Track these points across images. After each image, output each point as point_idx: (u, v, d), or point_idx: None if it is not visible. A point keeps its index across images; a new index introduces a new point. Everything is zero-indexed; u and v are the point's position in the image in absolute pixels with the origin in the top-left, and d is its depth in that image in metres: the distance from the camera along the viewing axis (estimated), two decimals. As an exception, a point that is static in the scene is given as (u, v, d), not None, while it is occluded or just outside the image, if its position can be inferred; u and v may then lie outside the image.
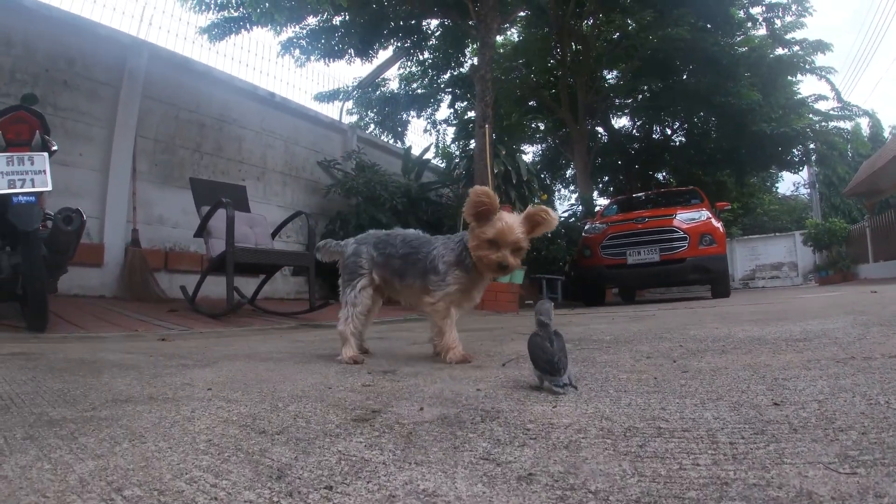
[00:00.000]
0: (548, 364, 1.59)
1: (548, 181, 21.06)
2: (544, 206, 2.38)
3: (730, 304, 6.53)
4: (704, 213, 9.37)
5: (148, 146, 7.39)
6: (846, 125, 18.23)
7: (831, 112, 17.58)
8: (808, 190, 30.94)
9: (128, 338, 3.88)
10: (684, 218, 9.20)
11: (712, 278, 9.45)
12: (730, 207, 11.35)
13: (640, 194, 14.64)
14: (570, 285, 12.33)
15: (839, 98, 17.58)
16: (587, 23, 16.48)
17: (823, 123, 17.50)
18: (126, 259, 6.83)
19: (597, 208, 13.97)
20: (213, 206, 5.62)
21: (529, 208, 2.42)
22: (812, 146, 17.71)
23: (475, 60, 17.82)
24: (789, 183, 37.53)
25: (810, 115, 17.26)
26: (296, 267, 8.57)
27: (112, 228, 6.82)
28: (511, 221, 2.35)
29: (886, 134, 27.24)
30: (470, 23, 10.29)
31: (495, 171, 9.41)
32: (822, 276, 19.72)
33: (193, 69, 8.14)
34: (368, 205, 9.06)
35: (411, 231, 2.80)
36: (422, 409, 1.45)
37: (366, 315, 2.73)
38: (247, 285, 6.93)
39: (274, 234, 6.57)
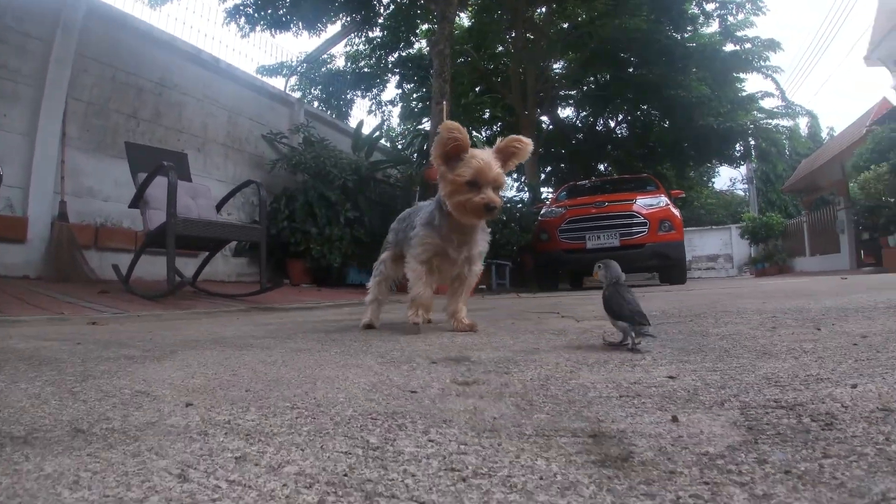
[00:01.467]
0: (636, 313, 1.57)
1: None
2: (515, 136, 2.25)
3: (709, 288, 6.34)
4: (663, 200, 9.27)
5: (80, 109, 6.64)
6: (788, 123, 18.76)
7: (775, 110, 17.99)
8: (745, 185, 31.94)
9: (50, 322, 3.19)
10: (644, 203, 9.06)
11: (670, 265, 9.35)
12: (683, 196, 11.28)
13: (595, 180, 14.56)
14: (518, 271, 12.19)
15: (783, 97, 18.00)
16: (541, 11, 16.25)
17: (767, 121, 17.92)
18: (52, 235, 6.07)
19: (543, 196, 13.85)
20: (151, 172, 4.95)
21: (500, 141, 2.25)
22: (753, 142, 18.05)
23: (424, 43, 17.69)
24: (725, 178, 38.69)
25: (755, 112, 17.61)
26: (238, 246, 8.01)
27: (37, 200, 6.03)
28: (487, 157, 2.18)
29: (824, 134, 28.27)
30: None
31: (451, 150, 9.04)
32: (758, 268, 20.33)
33: (134, 27, 7.39)
34: (317, 181, 8.52)
35: (426, 202, 2.65)
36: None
37: (386, 283, 2.79)
38: (185, 266, 6.34)
39: (219, 207, 5.97)
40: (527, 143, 2.23)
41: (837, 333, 1.73)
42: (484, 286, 11.14)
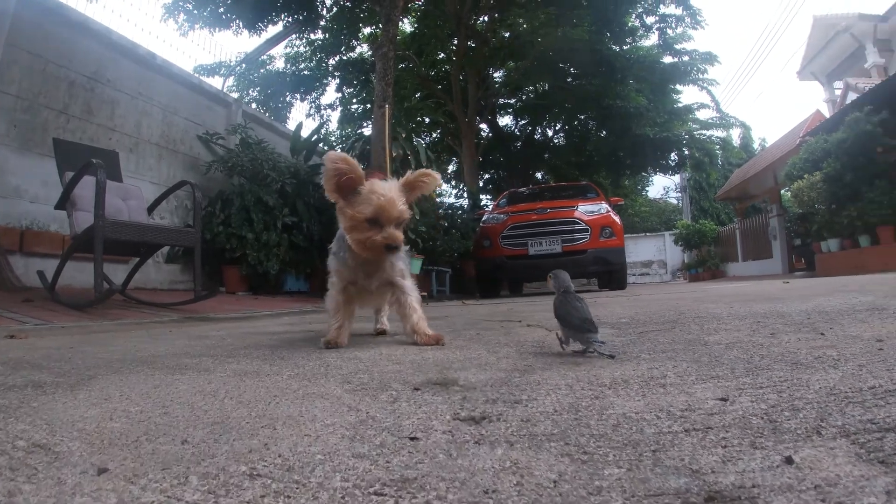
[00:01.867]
0: (584, 321, 1.60)
1: (435, 173, 20.88)
2: (424, 170, 2.17)
3: (658, 294, 6.30)
4: (604, 207, 9.37)
5: (7, 103, 6.19)
6: (722, 134, 19.46)
7: (710, 121, 18.61)
8: (679, 194, 32.95)
9: (-43, 334, 2.92)
10: (585, 210, 9.14)
11: (612, 270, 9.47)
12: (622, 203, 11.47)
13: (535, 187, 14.66)
14: (457, 277, 12.17)
15: (718, 109, 18.64)
16: (483, 19, 16.34)
17: (702, 131, 18.54)
18: (-26, 239, 5.66)
19: (482, 203, 13.87)
20: (79, 171, 4.59)
21: (409, 174, 2.14)
22: (687, 152, 18.61)
23: (366, 47, 17.55)
24: (659, 187, 39.86)
25: (690, 123, 18.19)
26: (171, 252, 7.68)
27: (-41, 200, 5.64)
28: (389, 192, 2.04)
29: (756, 145, 29.44)
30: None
31: (394, 155, 8.93)
32: (691, 273, 20.89)
33: (68, 17, 6.94)
34: (254, 185, 8.24)
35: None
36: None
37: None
38: (115, 272, 6.00)
39: (151, 210, 5.65)
40: (435, 178, 2.15)
41: (848, 338, 1.66)
42: (425, 293, 11.07)
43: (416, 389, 1.27)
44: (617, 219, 9.43)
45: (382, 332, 2.65)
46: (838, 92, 17.38)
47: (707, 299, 3.85)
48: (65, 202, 4.75)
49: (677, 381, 1.23)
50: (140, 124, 7.86)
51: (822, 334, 1.77)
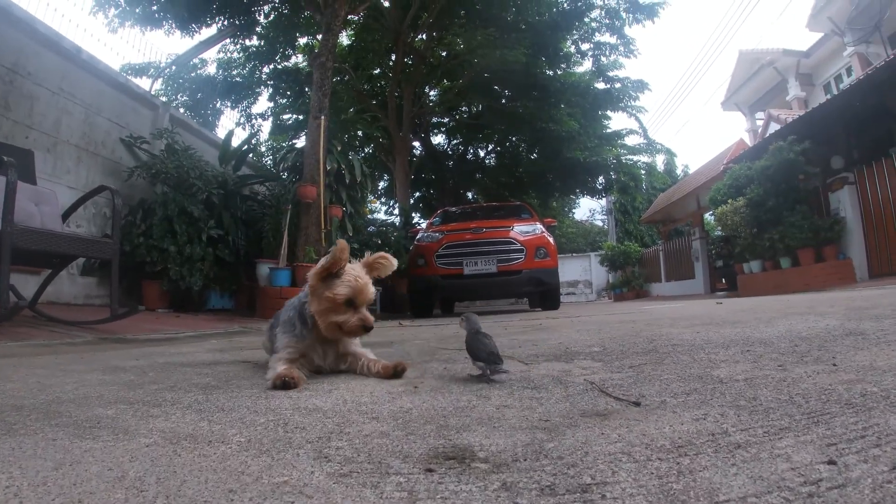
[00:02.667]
0: (491, 355, 1.83)
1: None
2: (382, 253, 2.25)
3: (597, 314, 6.20)
4: (538, 227, 9.38)
5: None
6: (648, 160, 20.10)
7: (638, 146, 19.23)
8: (604, 216, 33.85)
9: None
10: (520, 230, 9.12)
11: (546, 290, 9.46)
12: (555, 225, 11.55)
13: (469, 206, 14.64)
14: (389, 296, 11.99)
15: (645, 135, 19.27)
16: (421, 37, 16.33)
17: (629, 156, 19.12)
18: None
19: (414, 221, 13.74)
20: None
21: (368, 256, 2.23)
22: (615, 176, 19.12)
23: (301, 57, 17.25)
24: (585, 209, 40.90)
25: (618, 148, 18.68)
26: (86, 264, 7.17)
27: None
28: (364, 276, 2.14)
29: (678, 171, 30.55)
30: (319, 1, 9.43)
31: (328, 168, 8.69)
32: (616, 292, 21.46)
33: None
34: (178, 194, 7.79)
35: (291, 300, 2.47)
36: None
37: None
38: (25, 284, 5.54)
39: (66, 217, 5.19)
40: (391, 262, 2.22)
41: (866, 369, 1.55)
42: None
43: (429, 471, 0.92)
44: (551, 240, 9.48)
45: None
46: (760, 122, 18.37)
47: (661, 323, 3.74)
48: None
49: (748, 437, 1.04)
50: (60, 123, 7.34)
51: (834, 365, 1.67)
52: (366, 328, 2.08)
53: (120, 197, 5.03)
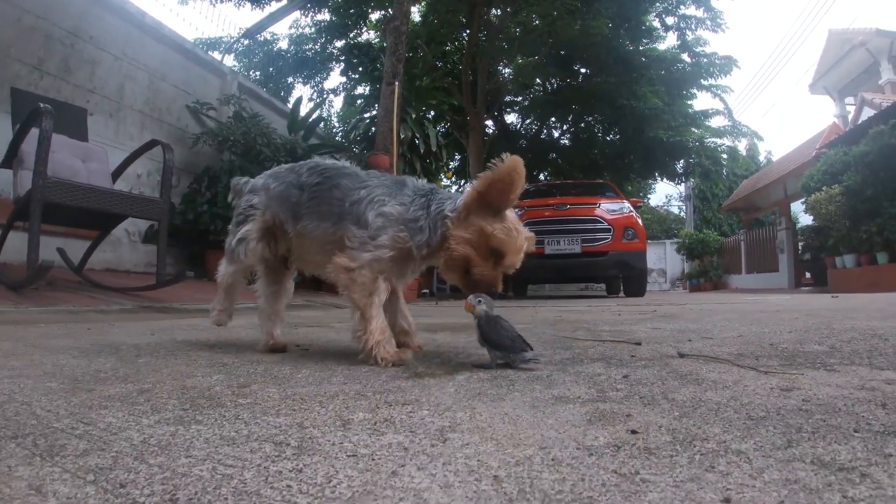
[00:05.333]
0: (513, 341, 1.56)
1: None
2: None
3: (701, 304, 5.41)
4: (626, 206, 8.74)
5: None
6: (732, 143, 18.96)
7: (722, 129, 18.06)
8: (681, 202, 32.54)
9: None
10: (607, 208, 8.50)
11: (633, 275, 8.85)
12: (641, 205, 10.86)
13: (550, 182, 13.97)
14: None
15: (730, 117, 18.04)
16: (496, 12, 15.69)
17: (713, 139, 18.03)
18: None
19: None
20: (25, 119, 3.89)
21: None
22: (695, 160, 18.10)
23: (373, 34, 16.94)
24: (661, 195, 39.42)
25: (701, 130, 17.69)
26: (148, 231, 6.95)
27: None
28: (524, 231, 1.70)
29: (762, 157, 28.92)
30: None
31: (401, 137, 8.25)
32: (692, 283, 20.49)
33: None
34: (245, 162, 7.53)
35: (340, 163, 1.97)
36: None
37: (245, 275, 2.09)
38: (79, 250, 5.30)
39: (116, 175, 4.93)
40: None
41: None
42: (426, 290, 10.45)
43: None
44: (639, 220, 8.82)
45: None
46: (850, 108, 17.36)
47: (819, 313, 3.21)
48: (11, 159, 4.01)
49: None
50: (123, 88, 7.17)
51: None
52: (491, 289, 1.64)
53: (171, 152, 4.65)
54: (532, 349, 1.58)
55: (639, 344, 2.08)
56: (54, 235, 5.17)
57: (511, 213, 1.66)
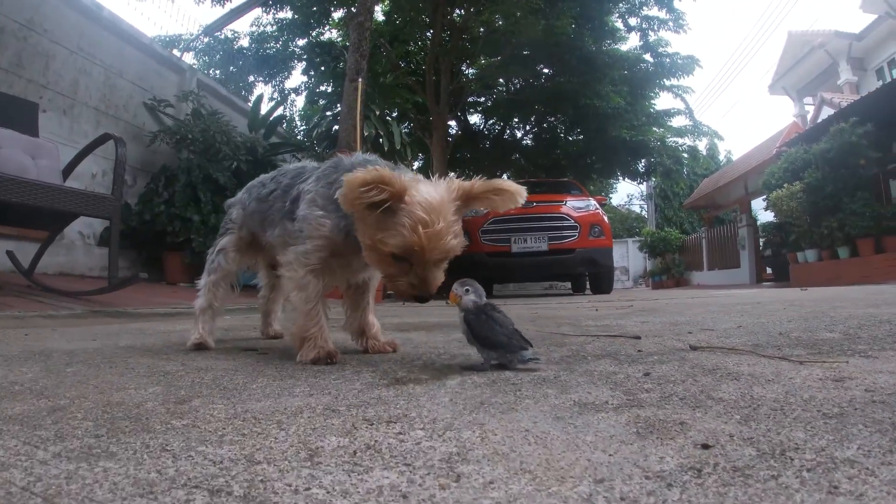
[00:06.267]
0: (510, 337, 1.34)
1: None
2: (498, 182, 1.51)
3: (673, 299, 5.39)
4: (592, 203, 8.65)
5: None
6: (694, 143, 19.22)
7: (683, 128, 18.23)
8: (642, 202, 32.92)
9: None
10: (574, 206, 8.39)
11: (600, 272, 8.75)
12: (606, 203, 10.80)
13: (516, 181, 13.82)
14: None
15: (691, 117, 18.19)
16: (460, 11, 15.53)
17: (674, 139, 18.20)
18: None
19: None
20: None
21: (474, 182, 1.46)
22: (654, 159, 18.19)
23: (335, 33, 16.62)
24: (622, 194, 39.99)
25: (665, 129, 17.84)
26: (103, 232, 6.55)
27: None
28: (439, 213, 1.34)
29: (721, 157, 29.38)
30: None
31: (365, 135, 7.98)
32: (655, 280, 20.70)
33: None
34: (203, 160, 7.20)
35: (300, 164, 1.95)
36: None
37: (225, 283, 2.06)
38: (29, 252, 4.94)
39: (67, 173, 4.61)
40: (515, 194, 1.50)
41: None
42: (392, 291, 10.19)
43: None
44: (605, 217, 8.75)
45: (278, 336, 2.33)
46: (808, 107, 17.82)
47: (802, 304, 3.17)
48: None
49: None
50: (78, 83, 6.81)
51: None
52: (419, 297, 1.40)
53: (124, 146, 4.38)
54: (531, 346, 1.36)
55: (638, 338, 1.96)
56: (5, 238, 4.86)
57: (412, 198, 1.33)
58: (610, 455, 0.67)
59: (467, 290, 1.42)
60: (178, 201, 6.78)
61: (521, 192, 1.49)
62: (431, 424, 0.83)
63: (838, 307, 2.83)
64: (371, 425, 0.84)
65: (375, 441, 0.75)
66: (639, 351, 1.61)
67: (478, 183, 1.44)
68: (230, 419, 0.90)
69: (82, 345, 2.03)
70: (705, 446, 0.70)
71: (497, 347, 1.35)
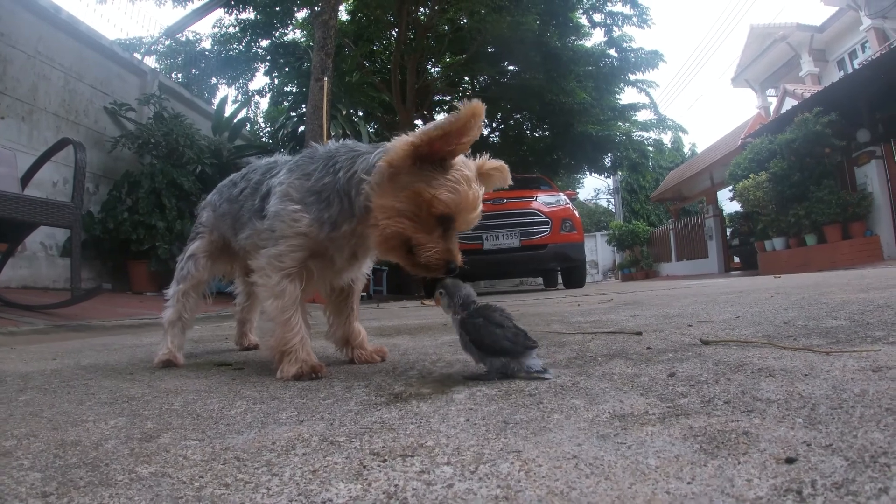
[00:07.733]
0: (514, 340, 1.19)
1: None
2: (497, 161, 1.52)
3: (646, 291, 5.38)
4: (562, 198, 8.69)
5: None
6: (659, 137, 19.29)
7: (648, 122, 18.38)
8: (609, 196, 33.28)
9: None
10: (544, 201, 8.40)
11: (572, 267, 8.82)
12: (576, 197, 10.84)
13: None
14: (393, 275, 11.48)
15: (656, 111, 18.28)
16: (424, 10, 15.42)
17: (640, 133, 18.38)
18: None
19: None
20: None
21: (482, 159, 1.46)
22: (620, 153, 18.41)
23: (299, 33, 16.37)
24: (589, 189, 40.38)
25: (631, 123, 17.97)
26: (66, 243, 6.28)
27: None
28: (475, 181, 1.37)
29: (686, 150, 29.73)
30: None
31: (332, 134, 7.81)
32: (624, 273, 20.90)
33: None
34: (167, 165, 6.96)
35: (272, 158, 1.78)
36: None
37: (197, 292, 1.90)
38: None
39: (26, 181, 4.40)
40: (506, 173, 1.54)
41: None
42: (364, 293, 10.08)
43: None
44: (576, 212, 8.79)
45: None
46: (771, 99, 18.22)
47: (787, 291, 3.14)
48: None
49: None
50: (36, 89, 6.55)
51: None
52: (449, 268, 1.32)
53: (84, 151, 4.16)
54: (537, 344, 1.23)
55: (639, 334, 1.88)
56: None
57: (460, 165, 1.34)
58: (688, 483, 0.57)
59: (456, 292, 1.33)
60: (141, 208, 6.55)
61: (509, 171, 1.55)
62: (457, 456, 0.70)
63: (826, 293, 2.82)
64: (384, 462, 0.70)
65: (396, 487, 0.62)
66: (648, 349, 1.54)
67: (483, 160, 1.45)
68: (208, 462, 0.75)
69: (40, 366, 1.88)
70: (789, 461, 0.62)
71: (502, 353, 1.21)
